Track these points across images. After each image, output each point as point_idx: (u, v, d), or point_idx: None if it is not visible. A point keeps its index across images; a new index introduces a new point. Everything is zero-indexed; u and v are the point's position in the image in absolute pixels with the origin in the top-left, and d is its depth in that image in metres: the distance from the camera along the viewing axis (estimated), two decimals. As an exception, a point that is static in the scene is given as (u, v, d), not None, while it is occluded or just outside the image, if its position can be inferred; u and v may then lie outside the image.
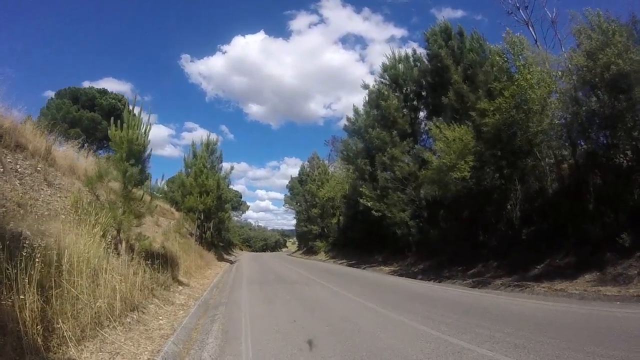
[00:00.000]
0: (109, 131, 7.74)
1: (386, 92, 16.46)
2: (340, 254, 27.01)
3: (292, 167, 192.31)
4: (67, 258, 4.45)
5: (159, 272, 7.91)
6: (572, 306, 6.56)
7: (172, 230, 16.13)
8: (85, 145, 12.26)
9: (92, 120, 25.32)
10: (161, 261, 8.92)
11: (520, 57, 10.96)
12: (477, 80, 13.79)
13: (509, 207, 12.71)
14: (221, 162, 21.86)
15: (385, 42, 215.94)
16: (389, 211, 15.16)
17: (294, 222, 53.23)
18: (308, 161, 45.93)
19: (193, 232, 19.44)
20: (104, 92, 28.78)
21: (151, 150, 8.06)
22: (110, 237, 6.78)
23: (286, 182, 58.60)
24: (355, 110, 22.35)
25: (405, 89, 17.05)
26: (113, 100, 29.32)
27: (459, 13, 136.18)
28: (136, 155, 7.40)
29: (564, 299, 7.33)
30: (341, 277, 13.22)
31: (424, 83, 16.38)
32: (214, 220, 26.02)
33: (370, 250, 21.20)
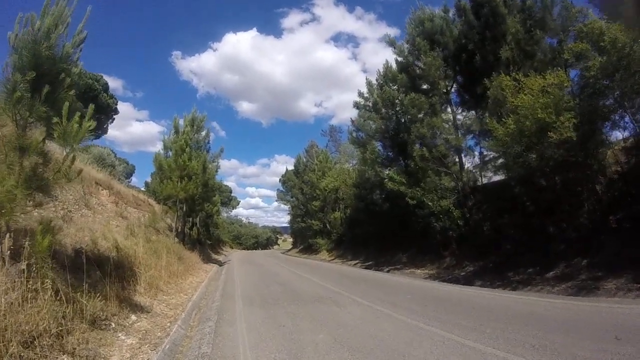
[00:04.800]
0: (7, 34, 4.16)
1: (424, 48, 12.78)
2: (349, 253, 23.43)
3: (282, 165, 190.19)
4: None
5: (89, 295, 4.37)
6: None
7: (145, 224, 12.51)
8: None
9: (65, 101, 21.54)
10: (100, 274, 5.38)
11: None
12: (547, 28, 10.68)
13: (597, 187, 9.47)
14: (208, 143, 17.96)
15: (378, 41, 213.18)
16: (428, 198, 11.65)
17: (286, 218, 49.74)
18: (306, 151, 42.26)
19: (174, 227, 15.80)
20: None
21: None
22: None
23: (276, 179, 55.17)
24: (369, 83, 18.83)
25: (441, 49, 13.45)
26: (90, 80, 25.59)
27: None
28: (44, 67, 3.78)
29: None
30: (374, 286, 9.72)
31: (465, 40, 12.82)
32: (201, 214, 22.40)
33: (389, 248, 17.66)
